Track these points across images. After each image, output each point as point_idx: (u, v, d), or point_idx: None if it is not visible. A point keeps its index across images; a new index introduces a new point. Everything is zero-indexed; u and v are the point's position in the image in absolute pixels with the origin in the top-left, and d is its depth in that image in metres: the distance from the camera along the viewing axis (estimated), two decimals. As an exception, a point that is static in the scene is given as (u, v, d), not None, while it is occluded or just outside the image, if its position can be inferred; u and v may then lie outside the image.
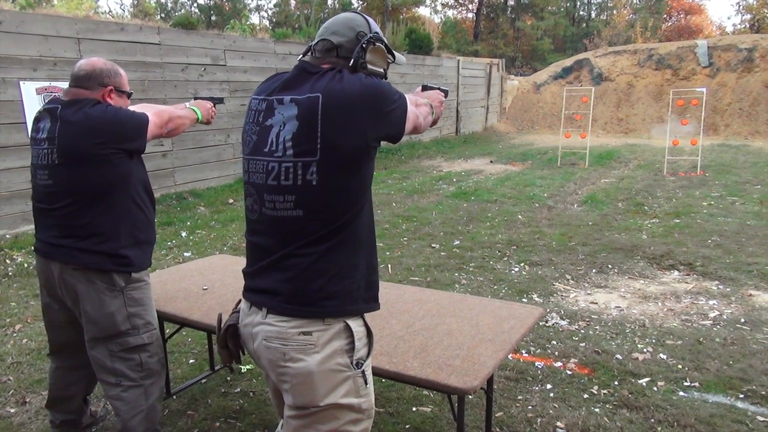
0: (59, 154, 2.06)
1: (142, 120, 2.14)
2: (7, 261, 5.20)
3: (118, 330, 2.14)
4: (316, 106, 1.41)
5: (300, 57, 1.58)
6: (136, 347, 2.19)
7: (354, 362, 1.49)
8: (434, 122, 1.79)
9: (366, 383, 1.52)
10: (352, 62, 1.50)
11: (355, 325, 1.50)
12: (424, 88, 1.87)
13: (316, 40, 1.56)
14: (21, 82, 6.03)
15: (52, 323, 2.33)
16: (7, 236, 5.85)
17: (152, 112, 2.22)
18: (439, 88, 1.87)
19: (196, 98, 2.58)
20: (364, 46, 1.50)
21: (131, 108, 2.21)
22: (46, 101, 2.21)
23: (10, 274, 4.89)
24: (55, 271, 2.14)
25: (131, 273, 2.16)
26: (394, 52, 1.62)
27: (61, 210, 2.09)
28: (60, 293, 2.19)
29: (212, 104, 2.60)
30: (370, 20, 1.58)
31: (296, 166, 1.42)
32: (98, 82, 2.14)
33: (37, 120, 2.18)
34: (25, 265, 5.07)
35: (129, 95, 2.27)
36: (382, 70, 1.58)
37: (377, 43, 1.53)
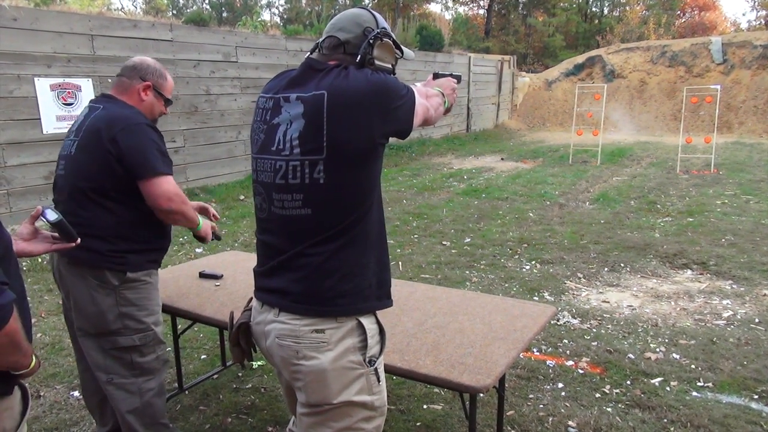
0: (77, 146, 2.07)
1: (154, 154, 2.05)
2: (22, 256, 5.25)
3: (109, 329, 2.10)
4: (322, 103, 1.39)
5: (307, 54, 1.56)
6: (127, 348, 2.14)
7: (367, 360, 1.48)
8: (447, 111, 1.75)
9: (379, 380, 1.52)
10: (359, 58, 1.47)
11: (368, 322, 1.49)
12: (436, 76, 1.82)
13: (323, 37, 1.54)
14: (35, 79, 6.09)
15: (67, 317, 2.33)
16: (22, 231, 5.90)
17: (166, 180, 2.07)
18: (450, 75, 1.82)
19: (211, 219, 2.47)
20: (371, 41, 1.48)
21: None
22: (96, 96, 2.22)
23: (24, 268, 4.94)
24: (55, 261, 2.17)
25: (126, 272, 2.10)
26: (402, 47, 1.60)
27: (64, 203, 2.08)
28: (58, 284, 2.21)
29: (213, 228, 2.44)
30: (378, 16, 1.56)
31: (303, 165, 1.41)
32: (140, 75, 2.15)
33: (83, 112, 2.22)
34: (39, 260, 5.11)
35: (167, 102, 2.25)
36: (390, 66, 1.55)
37: (385, 39, 1.51)
